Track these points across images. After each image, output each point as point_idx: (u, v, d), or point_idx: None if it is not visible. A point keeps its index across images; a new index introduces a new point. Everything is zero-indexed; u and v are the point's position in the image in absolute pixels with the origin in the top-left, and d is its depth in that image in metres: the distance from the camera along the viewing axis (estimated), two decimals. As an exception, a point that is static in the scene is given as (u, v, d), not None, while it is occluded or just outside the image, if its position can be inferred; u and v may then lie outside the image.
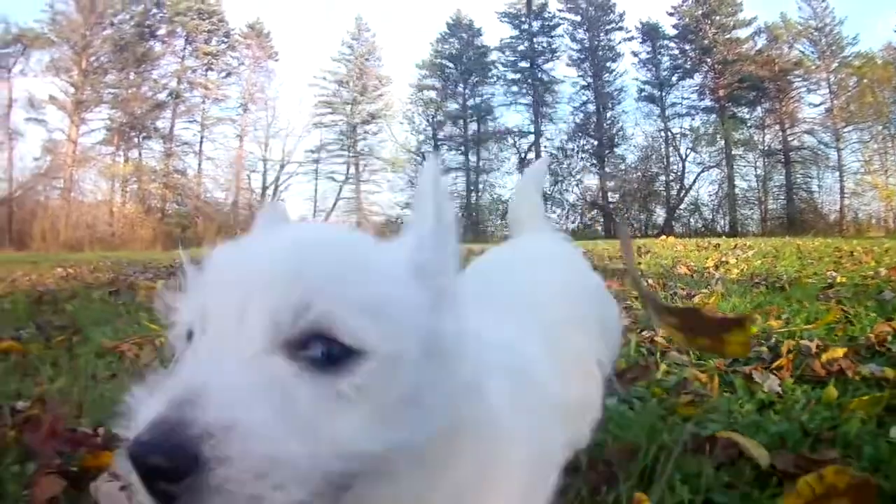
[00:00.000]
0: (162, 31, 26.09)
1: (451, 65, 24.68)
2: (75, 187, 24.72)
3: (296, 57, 40.78)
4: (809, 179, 25.68)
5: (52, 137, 24.60)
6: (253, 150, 27.11)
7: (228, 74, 27.04)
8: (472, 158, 24.24)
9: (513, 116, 26.88)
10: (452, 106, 24.00)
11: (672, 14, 24.82)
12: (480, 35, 24.85)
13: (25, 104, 24.37)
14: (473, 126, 24.21)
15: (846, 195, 25.71)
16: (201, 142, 26.59)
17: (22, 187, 23.57)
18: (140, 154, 25.59)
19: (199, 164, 26.91)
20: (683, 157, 24.01)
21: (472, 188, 23.92)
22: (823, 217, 24.32)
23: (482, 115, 23.85)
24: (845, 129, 26.38)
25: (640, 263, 4.92)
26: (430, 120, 23.82)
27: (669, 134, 24.20)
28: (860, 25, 46.51)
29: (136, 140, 24.21)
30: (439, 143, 24.22)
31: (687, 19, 25.39)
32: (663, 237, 8.39)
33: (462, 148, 24.24)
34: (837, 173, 25.76)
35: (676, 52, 25.19)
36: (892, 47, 28.74)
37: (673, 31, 26.52)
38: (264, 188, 26.33)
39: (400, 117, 27.32)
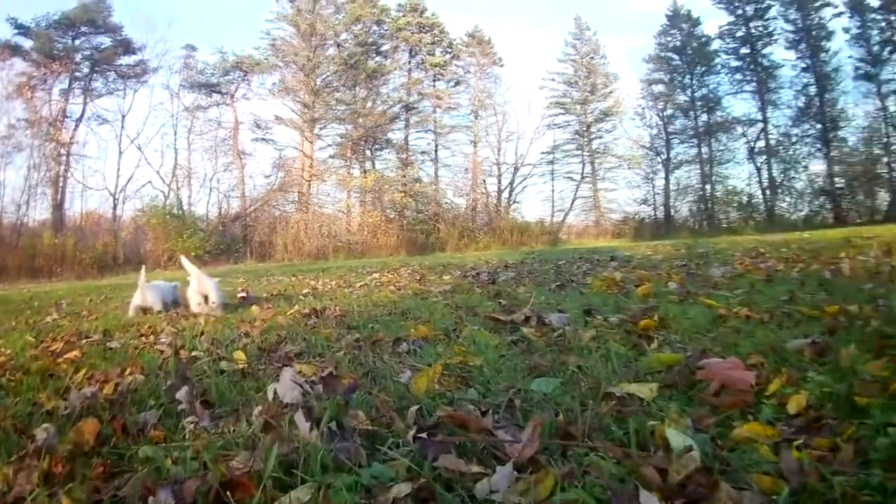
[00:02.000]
0: (386, 47, 27.56)
1: (675, 57, 26.02)
2: (312, 200, 26.34)
3: (519, 61, 41.99)
4: None
5: (283, 154, 26.96)
6: (487, 155, 28.31)
7: (457, 83, 28.31)
8: (704, 150, 25.62)
9: (739, 105, 28.33)
10: (681, 98, 25.32)
11: None
12: (700, 24, 25.97)
13: (251, 125, 26.79)
14: (703, 117, 25.51)
15: None
16: (436, 150, 27.97)
17: (257, 203, 25.66)
18: (374, 164, 27.41)
19: (436, 172, 28.24)
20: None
21: (705, 180, 25.47)
22: None
23: (711, 105, 25.31)
24: None
25: None
26: (661, 114, 25.13)
27: (888, 113, 25.80)
28: None
29: (368, 152, 24.70)
30: (671, 136, 25.65)
31: None
32: None
33: (694, 140, 25.68)
34: None
35: (883, 24, 26.46)
36: None
37: (877, 3, 26.91)
38: (500, 191, 27.74)
39: (631, 113, 28.47)
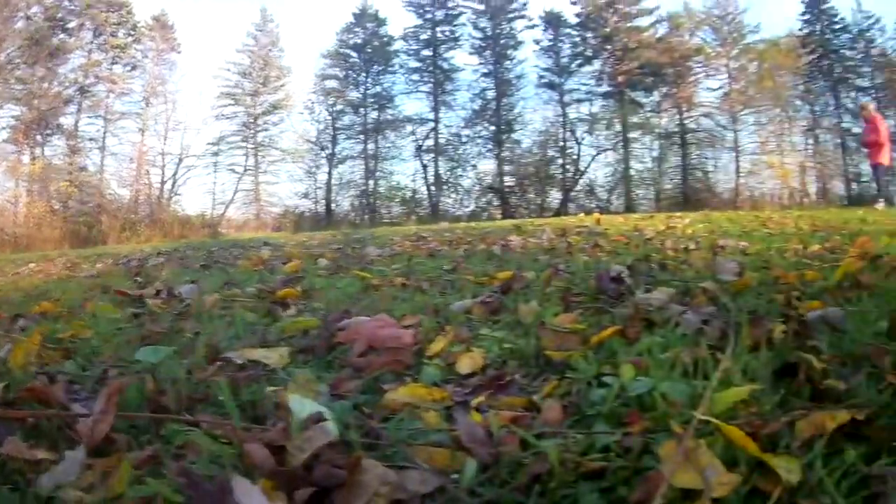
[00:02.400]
0: (73, 24, 26.93)
1: (354, 54, 26.40)
2: None
3: (200, 49, 43.34)
4: (705, 160, 27.52)
5: None
6: (154, 145, 28.54)
7: (134, 68, 28.39)
8: (371, 147, 25.62)
9: (412, 104, 28.73)
10: (353, 95, 25.53)
11: (575, 3, 27.10)
12: (385, 25, 26.61)
13: None
14: (374, 115, 25.66)
15: (742, 174, 27.11)
16: (104, 137, 27.87)
17: None
18: (43, 152, 27.06)
19: (102, 161, 28.07)
20: (579, 140, 25.67)
21: (369, 175, 25.31)
22: (718, 195, 26.27)
23: (382, 103, 25.42)
24: (743, 113, 28.36)
25: (606, 230, 5.29)
26: (330, 109, 25.34)
27: (567, 118, 25.87)
28: (763, 14, 48.88)
29: (39, 137, 25.26)
30: (338, 131, 25.73)
31: (590, 8, 27.43)
32: (595, 214, 9.66)
33: (361, 136, 25.72)
34: (733, 154, 27.03)
35: (578, 39, 27.20)
36: (793, 34, 30.87)
37: (575, 20, 28.97)
38: (163, 182, 26.05)
39: (300, 107, 29.03)
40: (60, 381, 1.15)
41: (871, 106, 10.62)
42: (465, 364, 1.11)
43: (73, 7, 27.69)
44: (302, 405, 0.78)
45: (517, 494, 0.63)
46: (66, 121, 27.80)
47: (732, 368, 0.87)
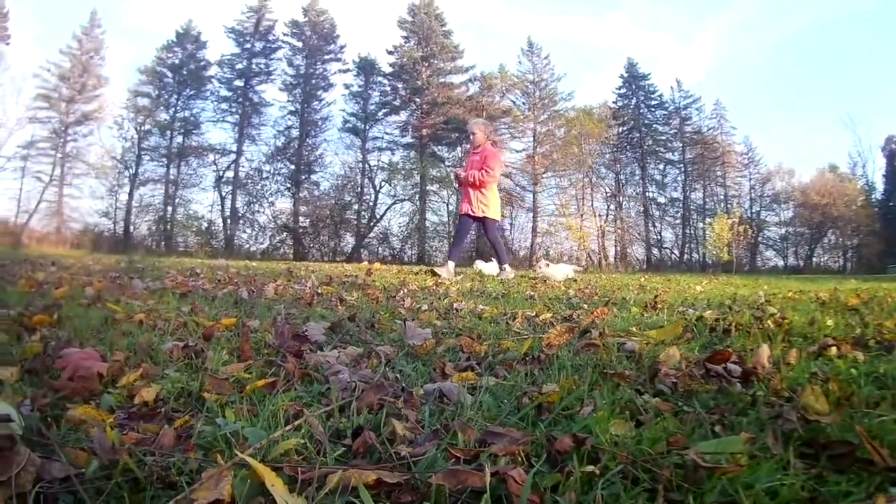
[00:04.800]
0: None
1: (170, 74, 28.01)
2: None
3: (29, 44, 42.70)
4: (503, 218, 30.28)
5: None
6: None
7: None
8: (173, 171, 27.33)
9: (218, 133, 30.63)
10: (163, 116, 27.24)
11: (391, 53, 29.70)
12: (205, 48, 28.39)
13: None
14: (179, 139, 27.37)
15: (539, 234, 29.89)
16: None
17: None
18: None
19: None
20: (377, 188, 28.04)
21: (168, 201, 27.02)
22: (513, 252, 28.94)
23: (189, 128, 27.21)
24: (545, 175, 31.12)
25: (372, 281, 5.50)
26: (139, 128, 26.96)
27: (367, 165, 28.20)
28: (579, 82, 52.56)
29: None
30: (143, 152, 27.34)
31: (405, 59, 29.72)
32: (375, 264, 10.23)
33: (165, 160, 27.40)
34: (531, 214, 29.55)
35: (388, 88, 29.54)
36: (607, 106, 33.68)
37: (389, 69, 31.32)
38: None
39: (110, 121, 29.90)
40: None
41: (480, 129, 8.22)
42: (142, 396, 1.37)
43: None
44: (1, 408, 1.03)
45: (116, 488, 0.90)
46: None
47: (315, 424, 1.12)
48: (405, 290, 4.62)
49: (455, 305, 3.52)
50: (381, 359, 1.82)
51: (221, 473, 0.85)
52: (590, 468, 0.92)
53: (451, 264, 7.69)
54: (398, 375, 1.67)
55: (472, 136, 8.40)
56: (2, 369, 1.51)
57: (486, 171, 7.99)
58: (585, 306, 3.62)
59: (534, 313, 3.10)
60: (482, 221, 8.13)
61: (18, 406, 1.18)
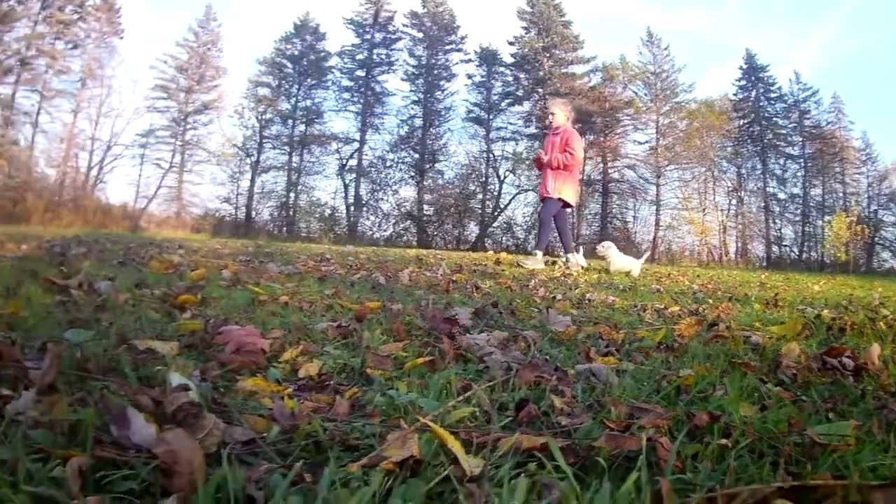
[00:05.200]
0: None
1: (289, 65, 28.02)
2: None
3: (142, 37, 45.68)
4: (626, 210, 29.43)
5: None
6: (85, 128, 29.97)
7: (75, 46, 29.95)
8: (296, 159, 27.18)
9: (341, 122, 30.64)
10: (284, 105, 27.16)
11: (512, 43, 29.59)
12: (324, 39, 28.61)
13: None
14: (301, 127, 27.25)
15: (661, 227, 29.09)
16: (38, 113, 29.32)
17: None
18: None
19: (33, 137, 29.38)
20: (501, 178, 27.49)
21: (291, 188, 26.77)
22: (636, 245, 29.27)
23: (311, 117, 27.06)
24: (667, 168, 30.36)
25: (502, 271, 5.70)
26: (260, 116, 26.88)
27: (491, 155, 27.79)
28: (700, 73, 52.02)
29: None
30: (265, 140, 27.23)
31: (526, 50, 29.52)
32: (503, 254, 10.00)
33: (287, 147, 27.22)
34: (654, 207, 28.92)
35: (510, 78, 29.21)
36: (727, 98, 32.97)
37: (510, 59, 31.77)
38: (89, 168, 27.47)
39: (231, 110, 30.94)
40: (17, 343, 1.48)
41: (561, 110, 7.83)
42: (305, 371, 1.51)
43: (21, -27, 29.09)
44: (177, 379, 1.17)
45: (299, 451, 0.99)
46: (3, 90, 28.96)
47: (482, 397, 1.24)
48: (536, 280, 4.90)
49: (587, 296, 3.83)
50: (528, 342, 1.99)
51: (406, 436, 0.96)
52: (723, 441, 1.07)
53: (539, 255, 7.65)
54: (546, 357, 1.83)
55: (551, 117, 8.12)
56: (162, 344, 1.64)
57: (569, 153, 7.74)
58: (710, 301, 3.97)
59: (662, 306, 3.42)
60: (547, 201, 7.89)
61: (189, 377, 1.28)
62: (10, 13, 28.50)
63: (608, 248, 7.13)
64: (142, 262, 4.59)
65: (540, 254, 7.69)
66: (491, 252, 12.19)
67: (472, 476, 0.87)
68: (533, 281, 4.77)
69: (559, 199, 7.72)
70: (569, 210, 8.31)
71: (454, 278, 4.46)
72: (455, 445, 0.91)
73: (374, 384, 1.43)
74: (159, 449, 0.84)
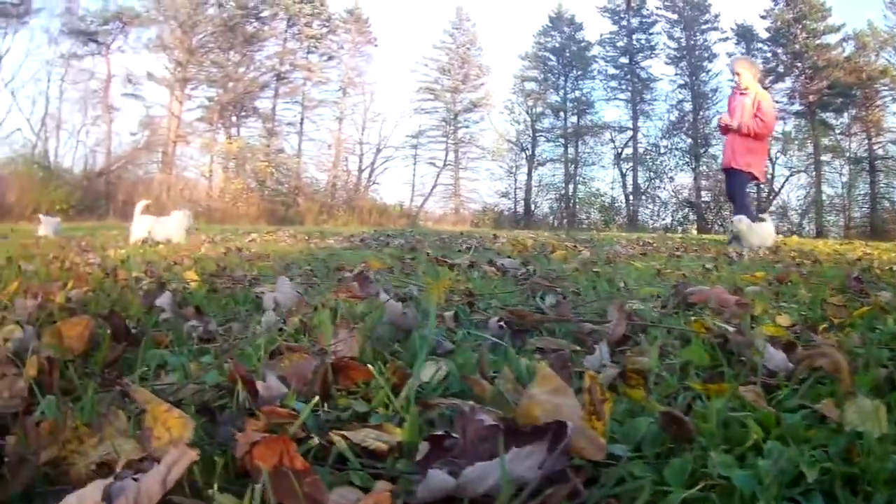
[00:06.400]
0: (265, 14, 30.86)
1: (552, 57, 28.84)
2: (176, 162, 30.53)
3: (394, 43, 50.36)
4: (893, 189, 30.09)
5: (150, 113, 30.08)
6: (351, 133, 32.83)
7: (330, 58, 33.54)
8: (571, 151, 28.09)
9: (611, 111, 31.40)
10: (553, 98, 28.02)
11: (764, 17, 30.10)
12: (582, 30, 29.21)
13: (123, 80, 29.44)
14: (573, 119, 28.03)
15: (935, 209, 29.92)
16: (302, 122, 33.27)
17: (120, 160, 26.80)
18: (239, 131, 29.18)
19: (300, 145, 32.49)
20: (773, 159, 28.04)
21: (568, 179, 27.66)
22: None
23: (582, 108, 27.78)
24: (934, 139, 30.86)
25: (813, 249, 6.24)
26: (530, 111, 27.68)
27: None
28: None
29: (234, 118, 27.43)
30: (538, 134, 28.08)
31: (779, 22, 30.14)
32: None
33: (561, 140, 28.01)
34: None
35: (769, 55, 29.43)
36: None
37: (765, 34, 32.70)
38: (360, 170, 29.07)
39: (500, 107, 33.10)
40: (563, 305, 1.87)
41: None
42: (783, 321, 1.81)
43: (264, -3, 40.82)
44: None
45: None
46: (263, 104, 32.61)
47: None
48: (852, 256, 5.13)
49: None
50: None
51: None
52: None
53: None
54: None
55: (736, 78, 7.51)
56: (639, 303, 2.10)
57: (760, 119, 7.08)
58: None
59: None
60: (733, 174, 7.38)
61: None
62: (256, 34, 29.70)
63: (740, 223, 6.73)
64: (484, 247, 4.85)
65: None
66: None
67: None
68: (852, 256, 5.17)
69: (749, 172, 7.21)
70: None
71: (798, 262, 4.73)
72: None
73: (848, 327, 1.79)
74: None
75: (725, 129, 7.21)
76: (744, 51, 34.57)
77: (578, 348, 1.38)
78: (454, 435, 0.79)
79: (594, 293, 2.28)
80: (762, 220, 6.71)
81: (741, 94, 7.11)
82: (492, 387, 1.03)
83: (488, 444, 0.74)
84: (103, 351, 1.31)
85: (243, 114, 31.33)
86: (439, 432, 0.81)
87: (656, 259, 4.09)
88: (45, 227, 9.25)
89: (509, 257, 3.61)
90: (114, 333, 1.38)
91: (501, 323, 1.57)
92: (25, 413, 0.95)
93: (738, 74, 7.16)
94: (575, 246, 4.95)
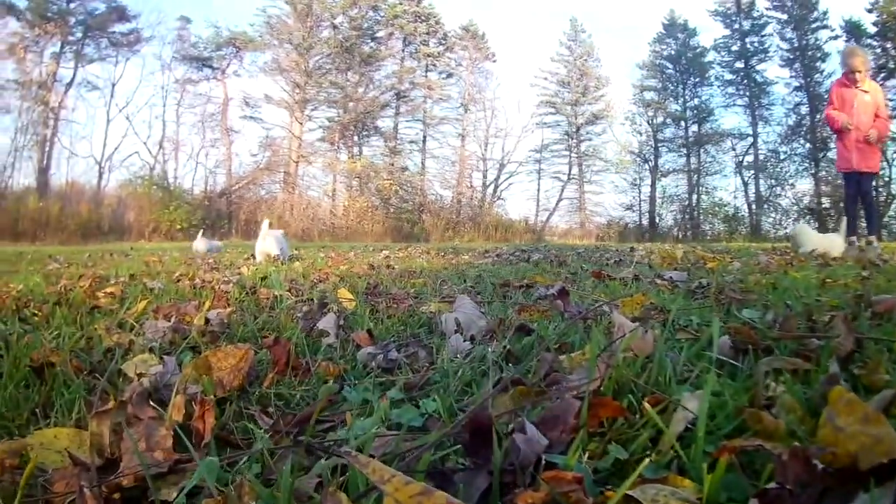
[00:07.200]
0: (381, 34, 33.22)
1: (669, 65, 29.14)
2: (298, 181, 30.96)
3: (510, 57, 51.03)
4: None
5: (270, 134, 30.77)
6: (475, 150, 33.20)
7: (449, 75, 34.07)
8: (693, 160, 28.33)
9: (731, 118, 31.98)
10: (673, 107, 28.08)
11: (870, 11, 29.69)
12: (696, 35, 29.44)
13: (241, 103, 30.08)
14: (694, 128, 28.21)
15: None
16: (424, 140, 33.73)
17: (242, 180, 26.86)
18: (361, 150, 33.25)
19: (423, 162, 32.84)
20: (890, 162, 28.46)
21: (692, 190, 27.97)
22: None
23: (703, 116, 28.05)
24: None
25: None
26: (651, 121, 27.84)
27: None
28: None
29: (356, 138, 27.36)
30: (659, 144, 28.20)
31: (885, 16, 29.72)
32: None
33: (683, 150, 28.27)
34: None
35: (879, 50, 29.45)
36: None
37: (873, 29, 31.58)
38: (485, 186, 29.40)
39: (621, 118, 33.35)
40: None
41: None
42: None
43: (379, 17, 33.11)
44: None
45: None
46: (385, 123, 33.41)
47: None
48: None
49: None
50: None
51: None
52: None
53: (876, 242, 7.49)
54: None
55: (856, 75, 7.11)
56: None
57: (884, 119, 7.17)
58: None
59: None
60: (869, 176, 7.34)
61: None
62: (374, 54, 29.63)
63: (800, 231, 6.74)
64: (628, 261, 4.77)
65: (876, 240, 7.66)
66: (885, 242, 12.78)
67: None
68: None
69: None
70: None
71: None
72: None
73: None
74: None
75: (838, 128, 7.01)
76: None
77: (814, 367, 1.20)
78: (786, 486, 0.67)
79: (785, 307, 2.07)
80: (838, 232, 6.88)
81: (862, 90, 6.97)
82: (776, 420, 0.85)
83: (811, 491, 0.65)
84: (263, 386, 1.20)
85: (365, 133, 32.48)
86: (771, 486, 0.69)
87: (806, 269, 3.83)
88: (199, 245, 9.03)
89: (676, 270, 3.63)
90: (275, 363, 1.28)
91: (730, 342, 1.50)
92: (171, 473, 0.78)
93: (858, 72, 6.86)
94: (723, 257, 4.87)
